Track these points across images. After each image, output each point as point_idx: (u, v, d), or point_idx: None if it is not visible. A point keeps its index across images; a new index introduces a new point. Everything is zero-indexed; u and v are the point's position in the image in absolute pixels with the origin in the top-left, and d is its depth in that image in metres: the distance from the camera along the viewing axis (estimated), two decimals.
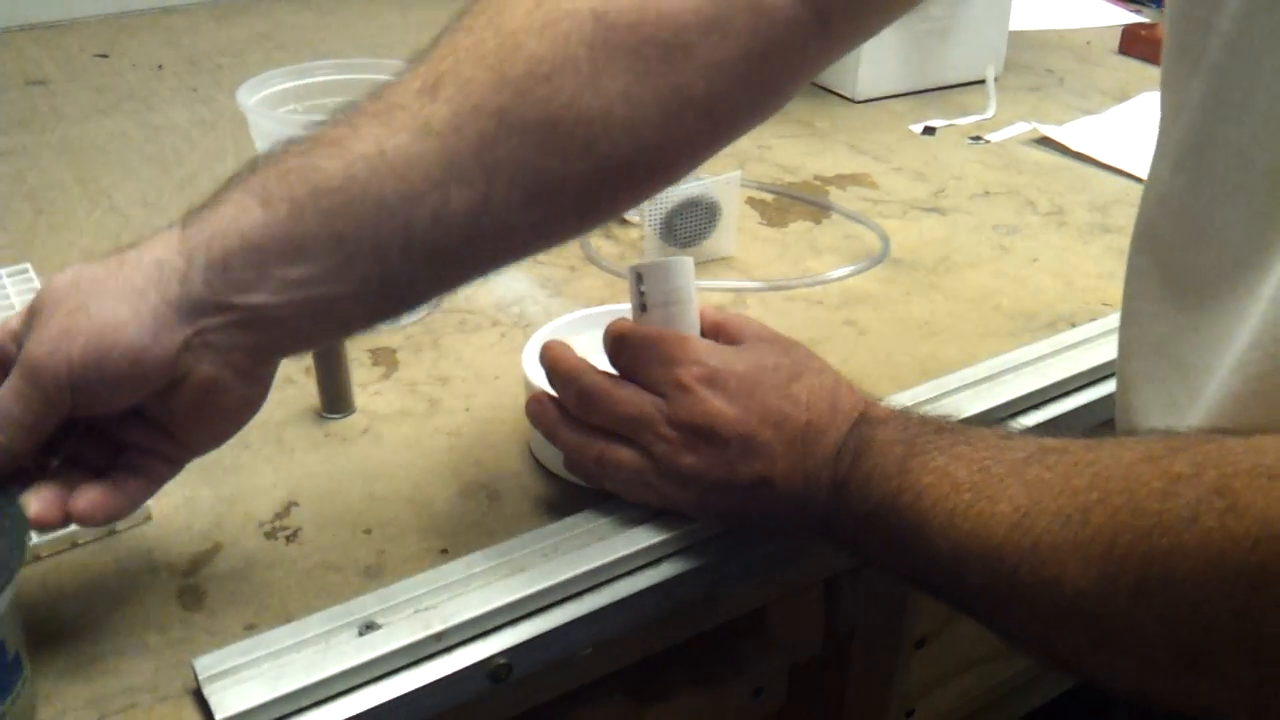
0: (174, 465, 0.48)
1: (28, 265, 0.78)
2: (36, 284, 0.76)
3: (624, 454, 0.52)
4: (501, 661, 0.49)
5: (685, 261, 0.55)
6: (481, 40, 0.45)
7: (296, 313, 0.44)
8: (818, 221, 0.89)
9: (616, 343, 0.53)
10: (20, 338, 0.44)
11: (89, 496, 0.45)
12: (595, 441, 0.53)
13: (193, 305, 0.43)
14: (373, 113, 0.45)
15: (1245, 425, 0.40)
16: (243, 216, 0.43)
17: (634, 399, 0.51)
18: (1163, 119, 0.49)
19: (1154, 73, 1.22)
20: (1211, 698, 0.37)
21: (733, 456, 0.49)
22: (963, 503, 0.42)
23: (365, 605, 0.49)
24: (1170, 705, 0.39)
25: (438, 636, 0.48)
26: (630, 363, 0.53)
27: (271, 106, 0.70)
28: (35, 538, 0.53)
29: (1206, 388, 0.45)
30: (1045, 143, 1.03)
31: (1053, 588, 0.39)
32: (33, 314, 0.44)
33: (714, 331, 0.54)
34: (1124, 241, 0.85)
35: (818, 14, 0.47)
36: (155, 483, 0.48)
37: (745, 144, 1.03)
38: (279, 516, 0.56)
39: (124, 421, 0.46)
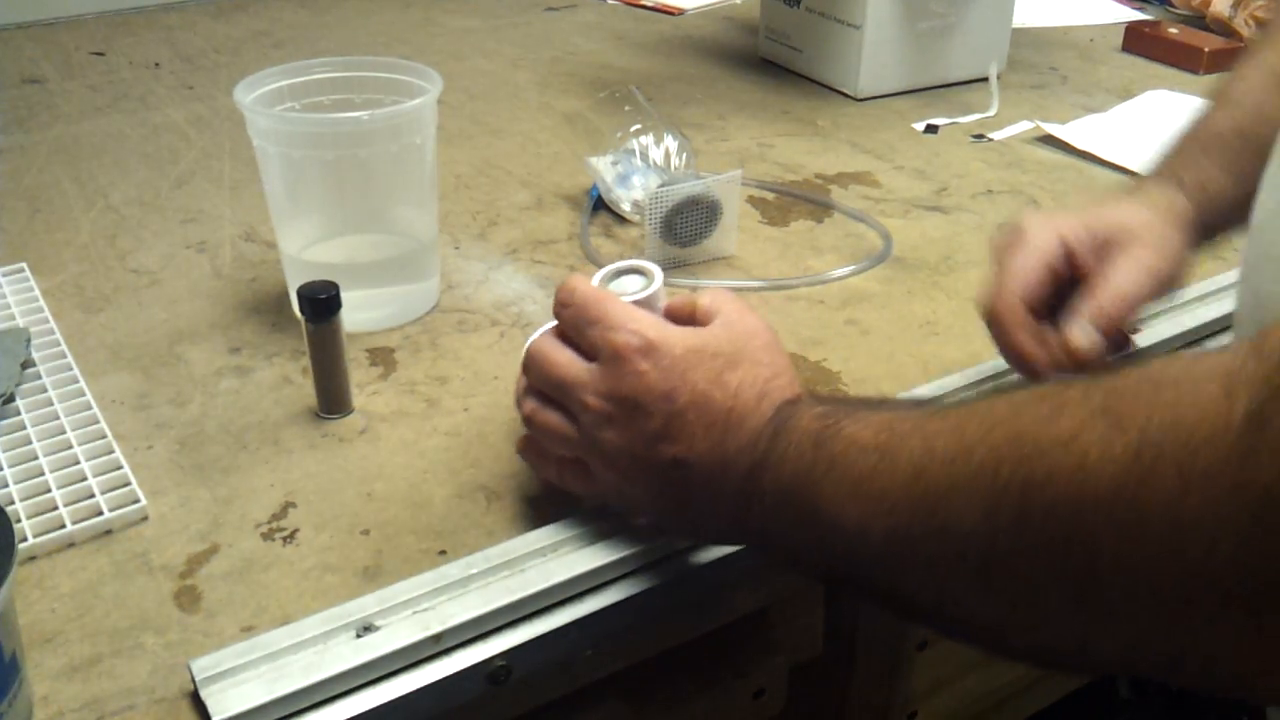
0: None
1: (24, 265, 0.78)
2: (33, 283, 0.76)
3: (552, 417, 0.52)
4: (500, 663, 0.48)
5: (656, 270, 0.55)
6: None
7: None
8: (819, 220, 0.88)
9: (564, 295, 0.52)
10: None
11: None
12: (528, 400, 0.53)
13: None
14: None
15: None
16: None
17: (567, 363, 0.51)
18: None
19: (1157, 70, 1.22)
20: (1114, 648, 0.35)
21: (654, 432, 0.48)
22: (868, 466, 0.41)
23: (363, 607, 0.49)
24: (1079, 664, 0.36)
25: (436, 638, 0.48)
26: (572, 319, 0.51)
27: (269, 104, 0.70)
28: (31, 538, 0.53)
29: None
30: (1048, 141, 1.03)
31: (942, 536, 0.38)
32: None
33: (687, 317, 0.52)
34: None
35: None
36: None
37: (746, 142, 1.02)
38: (276, 517, 0.56)
39: None
